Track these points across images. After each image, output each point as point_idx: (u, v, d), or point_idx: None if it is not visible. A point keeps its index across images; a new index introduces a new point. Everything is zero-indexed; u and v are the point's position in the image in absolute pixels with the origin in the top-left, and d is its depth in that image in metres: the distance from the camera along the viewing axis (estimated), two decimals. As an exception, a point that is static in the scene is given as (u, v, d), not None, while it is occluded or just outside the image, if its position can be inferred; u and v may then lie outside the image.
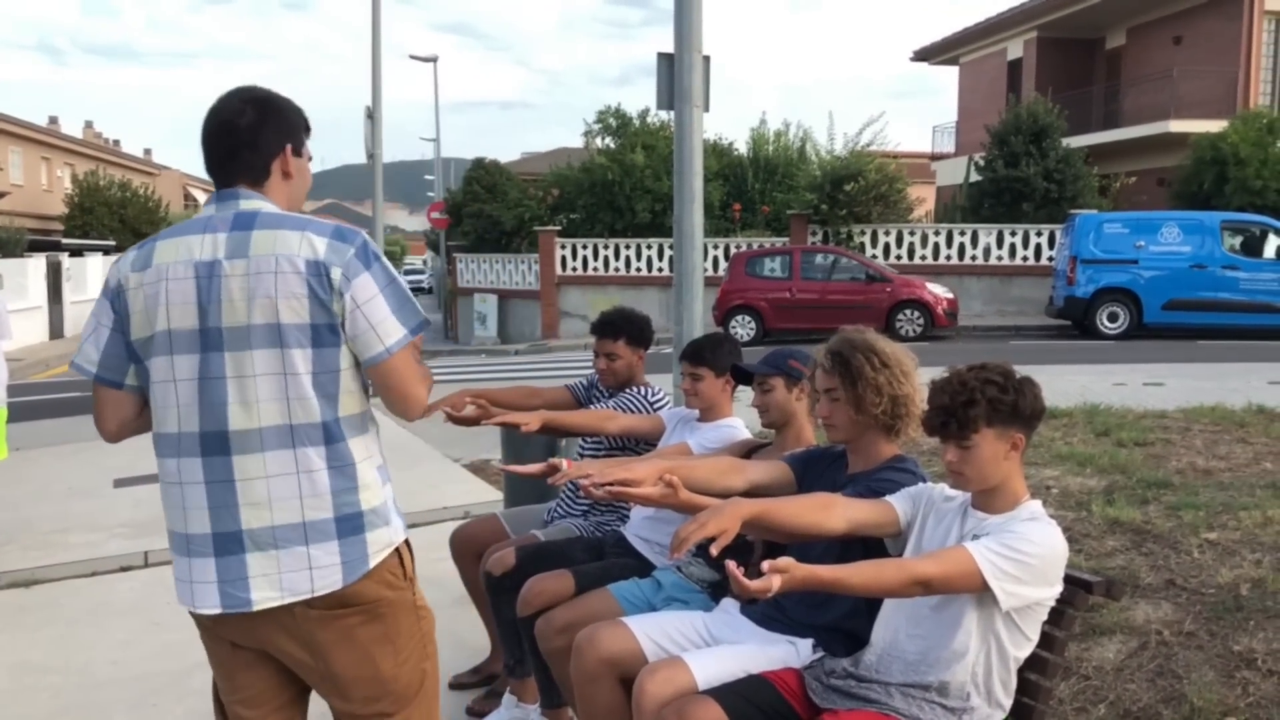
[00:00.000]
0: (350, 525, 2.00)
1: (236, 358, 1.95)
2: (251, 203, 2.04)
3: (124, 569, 5.62)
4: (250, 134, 2.05)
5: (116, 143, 55.78)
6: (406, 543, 2.13)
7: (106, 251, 33.95)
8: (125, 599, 5.14)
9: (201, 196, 66.79)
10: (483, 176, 26.58)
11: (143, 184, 40.84)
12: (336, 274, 1.94)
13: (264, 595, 1.98)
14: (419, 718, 2.12)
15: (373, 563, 2.01)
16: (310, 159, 2.18)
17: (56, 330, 27.15)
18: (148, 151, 60.07)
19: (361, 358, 2.00)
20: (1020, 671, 2.28)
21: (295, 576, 1.97)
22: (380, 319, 1.97)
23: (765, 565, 2.00)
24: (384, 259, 2.03)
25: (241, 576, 1.98)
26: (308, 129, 2.16)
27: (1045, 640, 2.28)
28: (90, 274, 31.04)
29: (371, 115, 12.68)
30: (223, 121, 2.05)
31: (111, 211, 36.87)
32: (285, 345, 1.94)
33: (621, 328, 3.79)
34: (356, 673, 2.05)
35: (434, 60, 33.92)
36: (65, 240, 32.41)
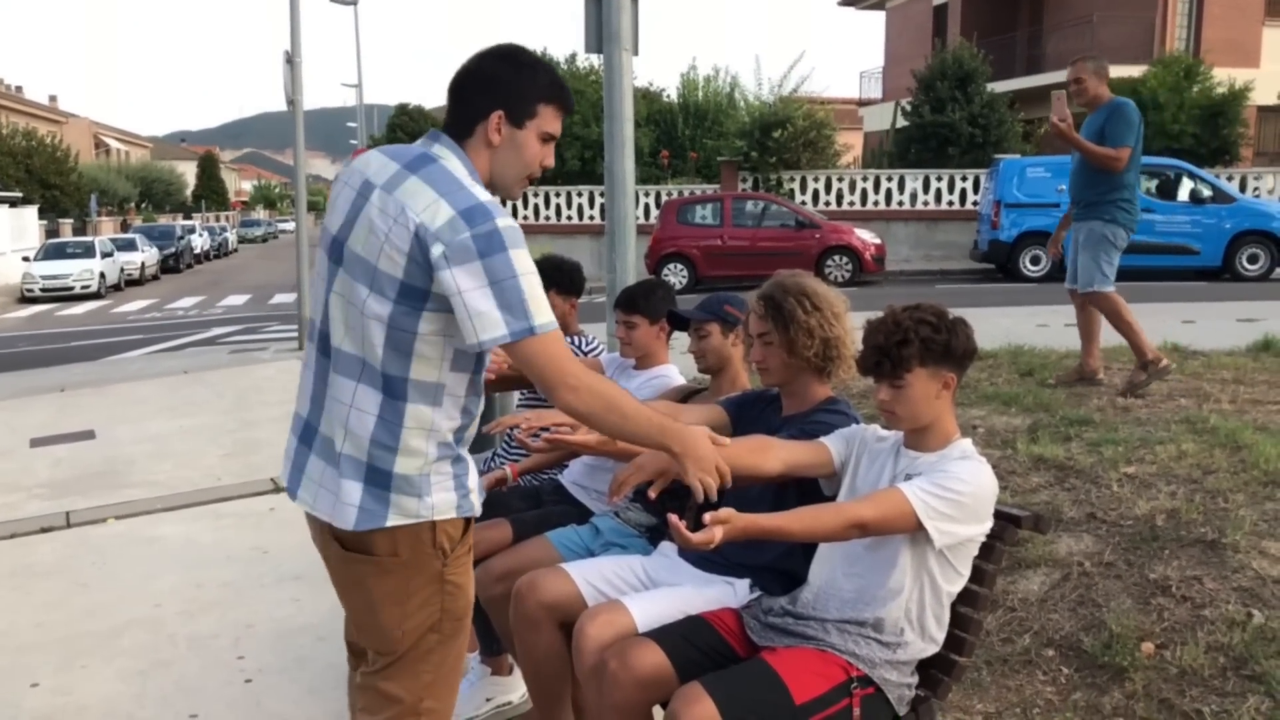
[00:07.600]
0: (378, 479, 1.98)
1: (345, 279, 2.00)
2: (440, 149, 2.02)
3: (45, 530, 5.47)
4: (465, 88, 2.04)
5: (19, 89, 53.30)
6: (468, 522, 2.11)
7: (13, 203, 32.54)
8: (47, 560, 5.00)
9: (115, 144, 63.60)
10: (407, 123, 26.07)
11: (49, 132, 39.11)
12: (437, 251, 1.87)
13: (304, 495, 2.07)
14: (406, 674, 2.07)
15: (389, 523, 1.98)
16: (546, 137, 2.07)
17: (-36, 285, 26.08)
18: (53, 98, 57.56)
19: (462, 344, 1.94)
20: (952, 605, 2.33)
21: (325, 496, 2.02)
22: (479, 311, 1.88)
23: (707, 517, 2.01)
24: (513, 252, 1.89)
25: (300, 467, 2.08)
26: (551, 100, 2.06)
27: (976, 574, 2.34)
28: (-3, 226, 29.67)
29: (291, 60, 12.20)
30: (461, 67, 2.06)
31: (16, 161, 35.28)
32: (373, 289, 1.94)
33: (552, 278, 3.72)
34: (361, 618, 2.11)
35: (354, 3, 32.90)
36: (-33, 192, 31.02)
